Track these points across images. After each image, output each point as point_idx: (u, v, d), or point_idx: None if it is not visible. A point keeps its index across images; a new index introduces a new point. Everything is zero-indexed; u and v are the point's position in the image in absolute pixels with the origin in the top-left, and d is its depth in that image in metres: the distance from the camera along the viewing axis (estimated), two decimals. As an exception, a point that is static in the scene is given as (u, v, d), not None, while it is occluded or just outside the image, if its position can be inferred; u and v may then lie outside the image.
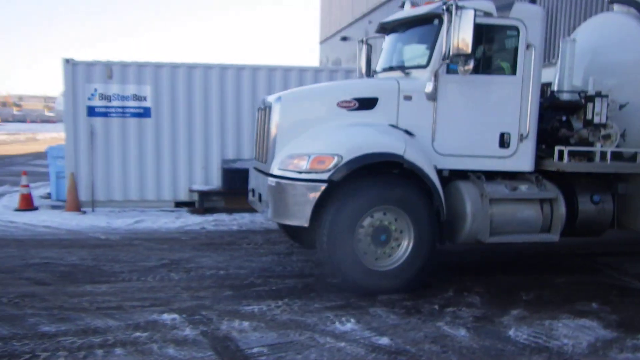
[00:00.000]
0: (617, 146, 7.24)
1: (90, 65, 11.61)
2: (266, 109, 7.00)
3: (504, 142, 6.85)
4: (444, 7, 6.25)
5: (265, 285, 6.78)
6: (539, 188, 6.94)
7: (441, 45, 6.49)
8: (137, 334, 5.18)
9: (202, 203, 11.79)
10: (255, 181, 7.34)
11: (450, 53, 6.24)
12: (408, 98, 6.66)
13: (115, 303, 6.02)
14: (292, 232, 8.36)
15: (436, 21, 6.74)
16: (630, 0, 7.87)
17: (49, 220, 10.69)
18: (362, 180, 6.27)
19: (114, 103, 11.69)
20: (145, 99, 11.77)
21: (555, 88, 7.79)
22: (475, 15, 6.12)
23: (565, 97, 7.51)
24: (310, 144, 6.38)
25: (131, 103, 11.74)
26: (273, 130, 6.64)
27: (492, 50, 6.99)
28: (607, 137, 7.15)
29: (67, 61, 11.52)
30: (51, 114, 74.55)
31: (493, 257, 8.61)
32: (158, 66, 11.79)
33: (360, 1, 28.48)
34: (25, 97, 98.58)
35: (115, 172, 11.78)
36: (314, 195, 6.15)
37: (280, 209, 6.35)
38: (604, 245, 9.19)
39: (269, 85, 11.96)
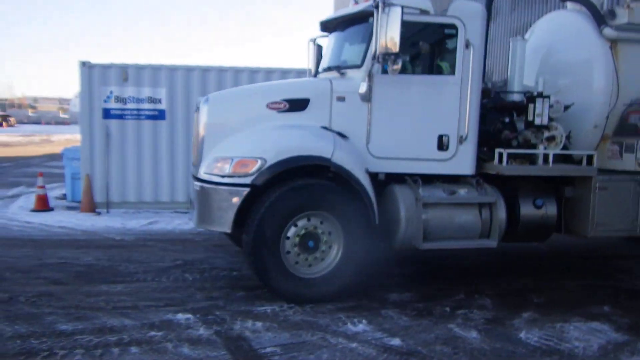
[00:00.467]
0: (564, 148, 7.08)
1: (106, 68, 11.76)
2: (198, 110, 6.78)
3: (442, 144, 6.60)
4: (374, 5, 6.01)
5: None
6: (479, 192, 6.69)
7: (374, 45, 6.24)
8: (152, 333, 5.27)
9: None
10: (191, 189, 6.86)
11: (378, 52, 6.02)
12: (341, 99, 6.44)
13: (130, 303, 6.12)
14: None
15: (371, 19, 6.39)
16: None
17: (65, 220, 10.85)
18: (290, 184, 6.05)
19: (129, 105, 11.83)
20: (160, 101, 11.90)
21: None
22: (402, 13, 5.86)
23: (514, 97, 7.30)
24: (235, 146, 6.18)
25: (146, 105, 11.87)
26: (201, 132, 6.46)
27: (430, 49, 6.75)
28: (551, 139, 6.94)
29: (83, 64, 11.68)
30: (65, 116, 75.23)
31: (504, 259, 8.63)
32: (172, 69, 11.92)
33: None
34: (40, 99, 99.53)
35: (130, 173, 11.91)
36: (237, 200, 5.95)
37: (205, 214, 6.16)
38: (616, 249, 9.16)
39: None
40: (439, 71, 6.72)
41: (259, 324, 5.54)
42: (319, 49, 8.01)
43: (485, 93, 7.11)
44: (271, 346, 5.06)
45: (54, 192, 13.95)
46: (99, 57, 14.75)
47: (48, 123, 70.84)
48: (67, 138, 38.63)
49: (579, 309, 6.28)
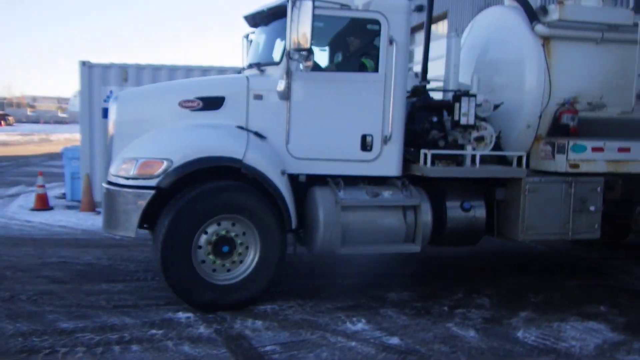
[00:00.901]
0: (497, 149, 6.96)
1: (106, 67, 11.79)
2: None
3: (366, 144, 6.34)
4: None
5: (277, 286, 6.83)
6: (404, 194, 6.42)
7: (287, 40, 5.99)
8: (153, 331, 5.31)
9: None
10: None
11: (290, 48, 5.79)
12: (258, 97, 6.18)
13: (131, 301, 6.16)
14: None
15: None
16: None
17: (65, 220, 10.88)
18: (199, 187, 5.77)
19: (129, 105, 11.84)
20: (159, 101, 11.90)
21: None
22: (314, 7, 5.60)
23: (449, 96, 7.00)
24: (143, 147, 5.91)
25: (145, 105, 11.88)
26: (110, 131, 6.25)
27: (352, 46, 6.57)
28: (479, 139, 6.73)
29: (83, 64, 11.71)
30: (64, 115, 75.26)
31: (503, 259, 8.68)
32: (173, 69, 11.95)
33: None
34: (38, 98, 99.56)
35: (129, 173, 11.91)
36: (141, 204, 5.66)
37: (110, 218, 5.90)
38: (614, 249, 9.21)
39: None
40: (362, 68, 6.49)
41: (258, 323, 5.57)
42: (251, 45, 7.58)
43: (416, 91, 7.02)
44: (271, 345, 5.10)
45: (53, 191, 13.98)
46: (99, 57, 14.77)
47: (47, 122, 70.83)
48: (67, 137, 38.65)
49: (576, 308, 6.33)
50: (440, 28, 18.05)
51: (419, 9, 15.86)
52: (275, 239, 5.98)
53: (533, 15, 7.13)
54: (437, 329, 5.61)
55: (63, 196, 13.22)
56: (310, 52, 5.80)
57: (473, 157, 6.67)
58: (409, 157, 6.70)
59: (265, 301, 6.18)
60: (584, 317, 6.06)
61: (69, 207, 12.22)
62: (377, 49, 6.34)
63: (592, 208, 6.92)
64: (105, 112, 11.61)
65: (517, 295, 6.76)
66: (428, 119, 6.83)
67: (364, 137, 6.36)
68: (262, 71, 6.40)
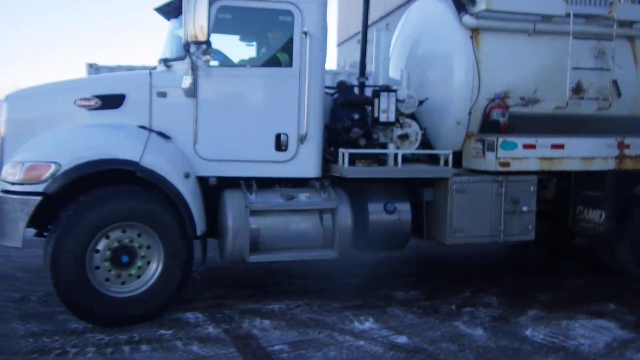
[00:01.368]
0: (427, 147, 6.72)
1: (113, 69, 11.83)
2: None
3: (281, 144, 5.96)
4: None
5: (285, 285, 6.91)
6: (322, 197, 6.05)
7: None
8: (162, 331, 5.34)
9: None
10: None
11: (187, 40, 5.44)
12: (162, 94, 5.78)
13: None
14: None
15: None
16: None
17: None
18: (96, 192, 5.36)
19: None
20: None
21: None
22: None
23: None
24: (31, 149, 5.46)
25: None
26: (1, 133, 5.78)
27: (265, 39, 6.26)
28: (404, 137, 6.41)
29: (90, 65, 11.75)
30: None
31: (510, 258, 8.66)
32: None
33: (377, 4, 28.53)
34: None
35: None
36: (27, 211, 5.21)
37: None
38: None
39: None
40: (276, 63, 6.12)
41: (266, 322, 5.60)
42: None
43: (340, 87, 6.68)
44: (279, 344, 5.12)
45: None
46: (106, 59, 14.82)
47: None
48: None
49: (585, 306, 6.30)
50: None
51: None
52: (180, 248, 5.56)
53: (461, 6, 6.75)
54: (445, 327, 5.61)
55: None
56: (208, 45, 5.47)
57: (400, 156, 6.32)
58: (329, 157, 6.35)
59: (273, 301, 6.20)
60: (593, 315, 6.03)
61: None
62: (291, 42, 5.97)
63: (525, 208, 6.60)
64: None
65: (524, 294, 6.72)
66: (349, 116, 6.42)
67: (278, 137, 5.98)
68: (168, 67, 5.96)
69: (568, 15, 6.68)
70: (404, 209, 6.47)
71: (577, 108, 7.01)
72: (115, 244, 5.44)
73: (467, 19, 6.70)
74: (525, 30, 6.84)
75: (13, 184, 5.35)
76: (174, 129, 5.81)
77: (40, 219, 5.47)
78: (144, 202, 5.47)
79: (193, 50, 5.56)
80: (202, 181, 5.90)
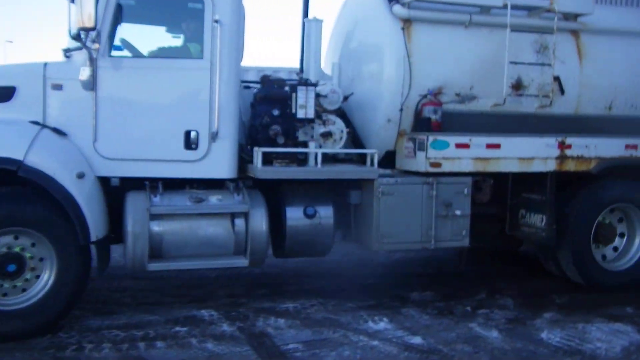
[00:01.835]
0: (358, 145, 6.36)
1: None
2: None
3: (190, 142, 5.51)
4: None
5: (300, 285, 6.92)
6: (235, 199, 5.62)
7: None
8: (177, 328, 5.37)
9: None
10: None
11: (75, 27, 5.02)
12: (58, 87, 5.31)
13: (154, 299, 6.23)
14: None
15: None
16: None
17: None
18: None
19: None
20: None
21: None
22: None
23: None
24: None
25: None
26: None
27: (174, 28, 5.86)
28: (327, 135, 5.99)
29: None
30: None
31: (526, 261, 8.59)
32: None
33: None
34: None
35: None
36: None
37: None
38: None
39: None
40: (187, 54, 5.74)
41: (281, 321, 5.60)
42: None
43: (263, 81, 6.23)
44: (293, 343, 5.13)
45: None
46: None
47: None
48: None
49: (601, 310, 6.21)
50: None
51: None
52: (73, 257, 5.10)
53: None
54: (460, 329, 5.59)
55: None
56: (99, 32, 5.09)
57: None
58: (246, 157, 5.90)
59: (287, 300, 6.21)
60: (610, 318, 5.96)
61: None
62: (202, 31, 5.53)
63: (458, 212, 6.17)
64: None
65: (540, 297, 6.65)
66: (269, 112, 5.90)
67: (187, 134, 5.50)
68: (68, 57, 5.52)
69: (506, 6, 6.25)
70: (326, 213, 6.00)
71: (517, 106, 6.59)
72: (4, 250, 4.96)
73: (398, 8, 6.25)
74: (462, 22, 6.40)
75: None
76: (71, 125, 5.33)
77: None
78: (34, 207, 4.98)
79: (82, 38, 5.08)
80: (106, 182, 5.52)
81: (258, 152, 5.66)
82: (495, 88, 6.40)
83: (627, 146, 6.71)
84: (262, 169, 5.65)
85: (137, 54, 5.76)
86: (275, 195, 6.02)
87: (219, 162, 5.64)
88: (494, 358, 4.98)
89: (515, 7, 6.31)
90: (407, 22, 6.29)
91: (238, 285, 6.84)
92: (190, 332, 5.28)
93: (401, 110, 6.31)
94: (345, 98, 6.23)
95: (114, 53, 5.47)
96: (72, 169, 5.16)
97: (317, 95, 5.95)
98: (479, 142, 6.19)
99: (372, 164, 6.00)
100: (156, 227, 5.37)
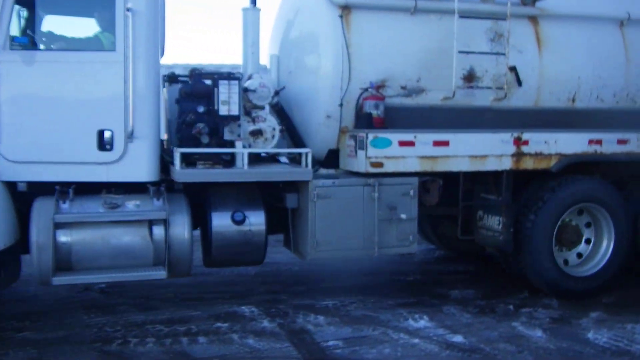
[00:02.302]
0: (301, 144, 5.95)
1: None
2: None
3: (104, 142, 5.09)
4: None
5: (339, 282, 6.90)
6: (153, 205, 5.19)
7: None
8: (219, 324, 5.43)
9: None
10: None
11: None
12: None
13: (196, 294, 6.32)
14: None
15: None
16: None
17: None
18: None
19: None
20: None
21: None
22: None
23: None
24: None
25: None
26: None
27: (84, 16, 5.46)
28: (256, 133, 5.58)
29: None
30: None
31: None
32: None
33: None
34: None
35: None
36: None
37: None
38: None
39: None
40: (99, 46, 5.30)
41: (320, 318, 5.60)
42: None
43: (191, 76, 5.79)
44: (333, 339, 5.12)
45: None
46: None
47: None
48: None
49: (650, 309, 6.05)
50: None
51: None
52: None
53: None
54: (502, 327, 5.48)
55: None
56: None
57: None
58: (168, 158, 5.48)
59: (326, 297, 6.20)
60: (659, 318, 5.78)
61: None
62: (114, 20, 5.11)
63: (403, 216, 5.69)
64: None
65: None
66: (193, 109, 5.44)
67: (101, 133, 5.08)
68: None
69: None
70: (256, 219, 5.55)
71: (471, 99, 6.14)
72: None
73: None
74: (407, 9, 5.94)
75: None
76: None
77: None
78: None
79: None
80: (14, 187, 5.11)
81: (177, 153, 5.21)
82: (445, 80, 5.94)
83: (590, 141, 6.17)
84: (180, 171, 5.20)
85: (43, 47, 5.30)
86: (200, 200, 5.60)
87: (137, 164, 5.20)
88: (538, 358, 4.86)
89: (468, -8, 5.79)
90: (345, 10, 5.81)
91: (277, 282, 6.91)
92: (231, 328, 5.34)
93: (341, 105, 5.86)
94: (277, 92, 5.83)
95: (17, 46, 5.03)
96: None
97: (245, 90, 5.56)
98: (425, 139, 5.69)
99: (306, 164, 5.54)
100: (63, 236, 4.96)
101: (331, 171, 6.07)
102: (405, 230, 5.76)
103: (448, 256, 8.15)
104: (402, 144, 5.64)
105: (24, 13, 5.20)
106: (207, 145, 5.39)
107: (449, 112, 6.10)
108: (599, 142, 6.21)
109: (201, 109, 5.42)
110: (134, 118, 5.09)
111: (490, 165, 5.93)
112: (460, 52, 5.87)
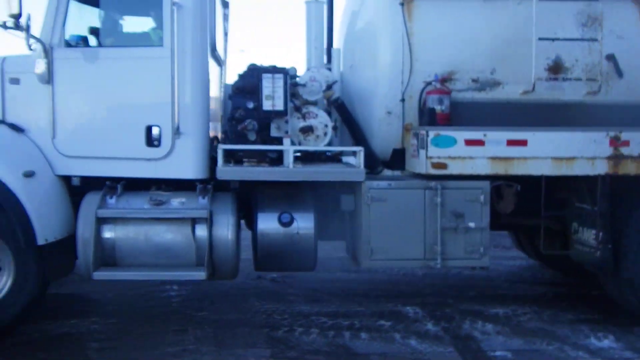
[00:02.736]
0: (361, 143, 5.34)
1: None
2: None
3: (152, 138, 5.01)
4: None
5: (512, 290, 6.61)
6: (198, 202, 4.98)
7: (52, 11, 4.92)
8: (382, 322, 5.42)
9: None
10: None
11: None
12: (15, 81, 5.02)
13: (362, 291, 6.38)
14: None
15: None
16: None
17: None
18: None
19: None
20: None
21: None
22: None
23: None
24: None
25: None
26: None
27: (133, 13, 5.41)
28: (307, 130, 5.18)
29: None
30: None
31: None
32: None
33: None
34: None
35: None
36: None
37: None
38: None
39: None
40: (148, 42, 5.26)
41: (489, 326, 5.35)
42: None
43: (248, 70, 5.42)
44: (502, 350, 4.85)
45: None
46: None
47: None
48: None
49: None
50: None
51: None
52: (28, 258, 4.79)
53: None
54: None
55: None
56: (18, 18, 4.67)
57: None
58: (216, 155, 5.24)
59: (497, 305, 5.92)
60: None
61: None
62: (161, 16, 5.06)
63: (471, 225, 5.06)
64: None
65: None
66: (243, 104, 5.20)
67: (149, 129, 5.04)
68: (32, 50, 5.18)
69: None
70: (305, 221, 5.19)
71: (556, 92, 5.39)
72: None
73: None
74: None
75: None
76: (29, 120, 5.09)
77: None
78: None
79: (10, 26, 4.74)
80: (69, 182, 5.20)
81: (220, 150, 5.05)
82: (525, 72, 5.27)
83: None
84: (221, 169, 5.01)
85: (95, 44, 5.41)
86: (249, 200, 5.38)
87: (184, 161, 5.11)
88: None
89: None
90: None
91: (446, 285, 6.73)
92: (394, 327, 5.29)
93: (403, 100, 5.44)
94: (329, 86, 5.48)
95: (71, 43, 5.19)
96: (17, 167, 4.86)
97: (295, 85, 5.31)
98: (497, 138, 5.03)
99: (359, 163, 5.12)
100: (107, 232, 4.96)
101: (396, 173, 5.64)
102: (474, 240, 5.16)
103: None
104: (469, 143, 5.06)
105: (78, 11, 5.35)
106: (254, 143, 5.20)
107: (528, 107, 5.42)
108: None
109: (250, 105, 5.21)
110: (179, 114, 5.04)
111: (580, 169, 5.12)
112: (541, 39, 5.20)
